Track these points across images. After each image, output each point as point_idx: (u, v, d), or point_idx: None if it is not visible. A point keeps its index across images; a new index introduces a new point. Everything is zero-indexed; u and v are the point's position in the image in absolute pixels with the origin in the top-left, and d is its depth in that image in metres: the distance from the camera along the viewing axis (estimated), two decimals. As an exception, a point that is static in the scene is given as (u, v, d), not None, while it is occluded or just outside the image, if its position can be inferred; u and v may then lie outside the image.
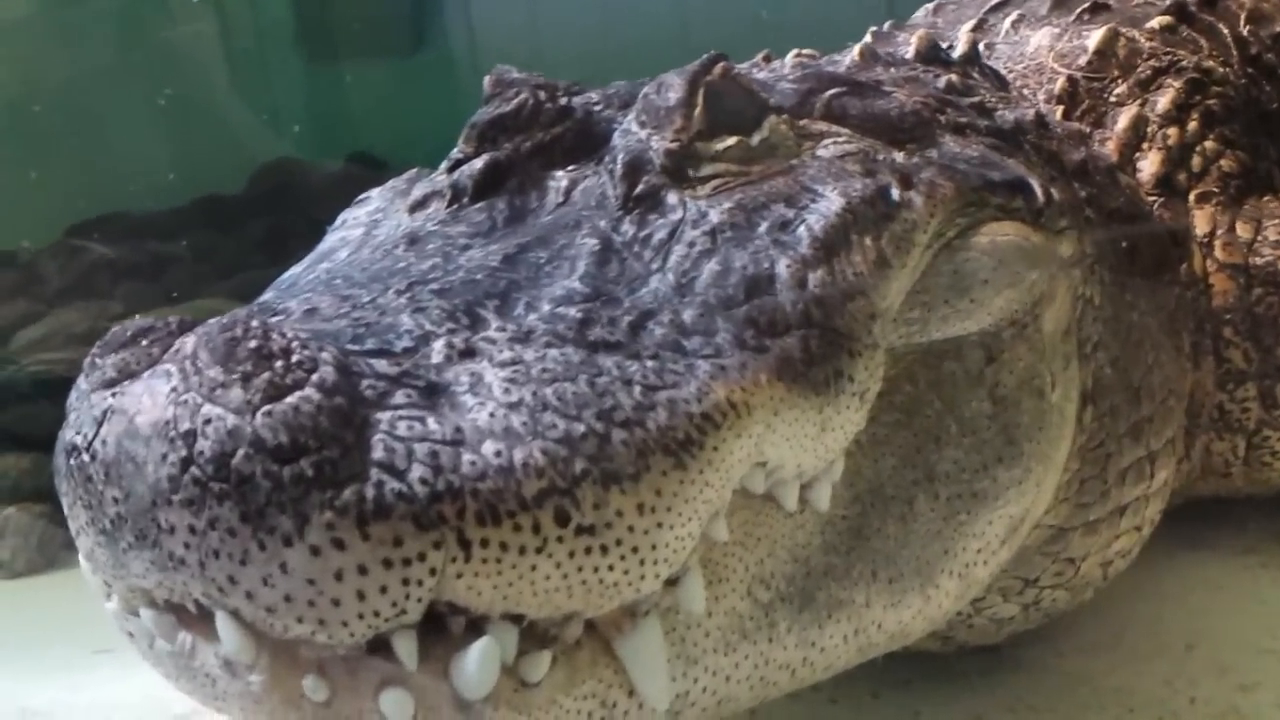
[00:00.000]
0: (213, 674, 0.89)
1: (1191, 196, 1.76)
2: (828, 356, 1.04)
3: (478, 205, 1.16)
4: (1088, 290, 1.43)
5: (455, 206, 1.18)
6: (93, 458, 0.83)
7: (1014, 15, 1.97)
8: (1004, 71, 1.82)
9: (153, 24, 4.62)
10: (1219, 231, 1.74)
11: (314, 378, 0.79)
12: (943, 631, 1.47)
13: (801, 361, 1.02)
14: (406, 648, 0.83)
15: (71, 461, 0.86)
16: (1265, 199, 1.79)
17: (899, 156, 1.27)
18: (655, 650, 0.93)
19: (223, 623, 0.83)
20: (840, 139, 1.27)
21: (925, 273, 1.20)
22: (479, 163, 1.19)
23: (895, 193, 1.19)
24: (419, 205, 1.20)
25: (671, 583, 0.94)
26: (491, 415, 0.84)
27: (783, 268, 1.07)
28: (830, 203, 1.14)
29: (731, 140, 1.20)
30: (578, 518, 0.84)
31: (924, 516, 1.18)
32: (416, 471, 0.79)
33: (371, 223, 1.21)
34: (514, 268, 1.04)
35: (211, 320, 0.84)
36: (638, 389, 0.90)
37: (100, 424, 0.83)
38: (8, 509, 2.58)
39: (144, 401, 0.81)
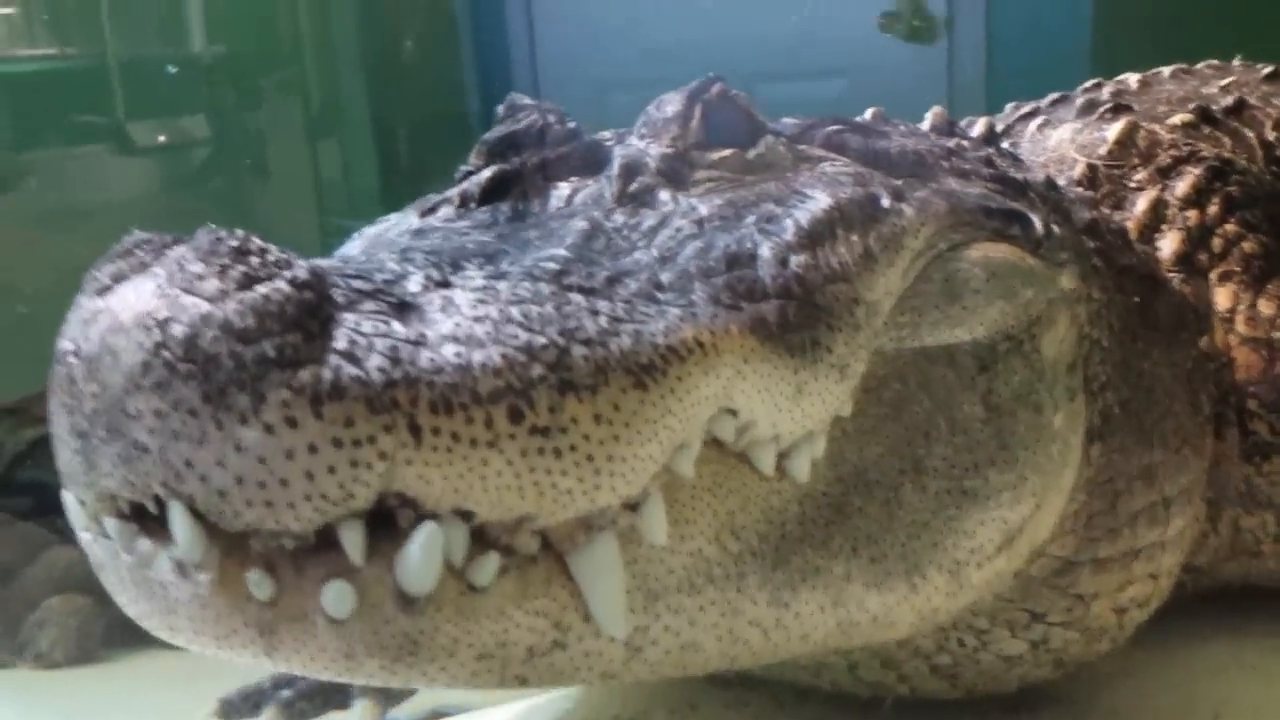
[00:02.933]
0: (165, 581, 0.92)
1: (1213, 275, 1.81)
2: (804, 325, 1.09)
3: (484, 208, 1.25)
4: (1095, 332, 1.48)
5: (462, 209, 1.27)
6: (77, 356, 0.88)
7: (1040, 120, 2.07)
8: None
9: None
10: (1241, 308, 1.78)
11: (287, 274, 0.85)
12: (947, 668, 1.48)
13: (777, 325, 1.07)
14: (352, 538, 0.85)
15: (58, 368, 0.90)
16: (1290, 281, 1.82)
17: (896, 181, 1.35)
18: (611, 570, 0.95)
19: (176, 516, 0.86)
20: (838, 163, 1.36)
21: (917, 279, 1.27)
22: (487, 173, 1.29)
23: (885, 201, 1.27)
24: (429, 210, 1.29)
25: (632, 508, 0.97)
26: (456, 325, 0.89)
27: (766, 249, 1.13)
28: (819, 201, 1.22)
29: (727, 151, 1.29)
30: (532, 418, 0.87)
31: (910, 505, 1.21)
32: (374, 361, 0.84)
33: (383, 229, 1.30)
34: (505, 242, 1.12)
35: (200, 229, 0.91)
36: (604, 318, 0.96)
37: (88, 325, 0.88)
38: (51, 599, 2.67)
39: (129, 298, 0.87)
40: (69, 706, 2.32)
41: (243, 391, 0.82)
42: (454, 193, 1.30)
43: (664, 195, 1.22)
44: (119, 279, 0.90)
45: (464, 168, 1.33)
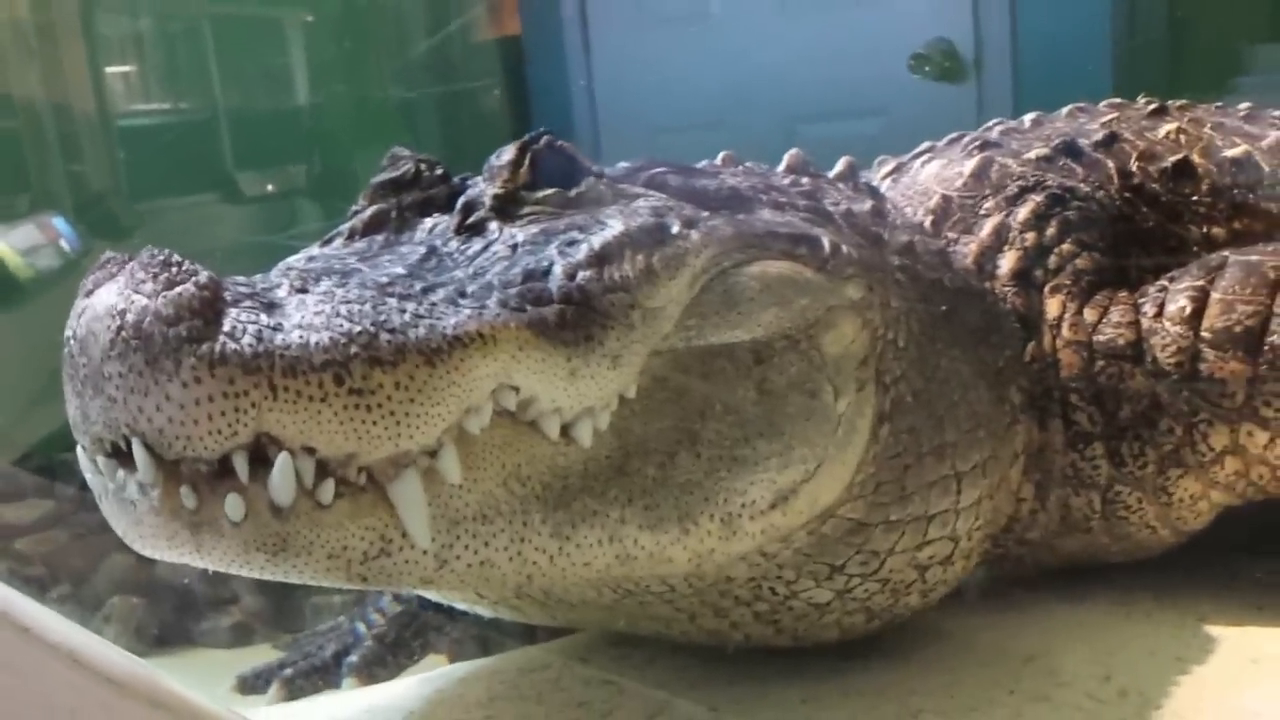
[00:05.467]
0: (133, 499, 1.28)
1: (1046, 289, 2.09)
2: (579, 324, 1.41)
3: (364, 239, 1.60)
4: (891, 334, 1.78)
5: (349, 240, 1.61)
6: (74, 339, 1.25)
7: (927, 157, 2.37)
8: (899, 197, 2.23)
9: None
10: (1067, 316, 2.06)
11: (194, 279, 1.21)
12: (768, 614, 1.77)
13: (554, 324, 1.39)
14: (240, 463, 1.21)
15: (64, 349, 1.27)
16: (1119, 292, 2.09)
17: (701, 213, 1.67)
18: (415, 496, 1.28)
19: (137, 449, 1.22)
20: (652, 198, 1.68)
21: (702, 290, 1.58)
22: (368, 211, 1.64)
23: (675, 228, 1.59)
24: (326, 242, 1.65)
25: (433, 455, 1.30)
26: (303, 317, 1.24)
27: (559, 266, 1.45)
28: (613, 229, 1.54)
29: (551, 190, 1.61)
30: (350, 382, 1.21)
31: (684, 468, 1.51)
32: (247, 339, 1.19)
33: (296, 256, 1.65)
34: (365, 263, 1.47)
35: (144, 250, 1.27)
36: (409, 315, 1.29)
37: (79, 317, 1.25)
38: (114, 598, 3.12)
39: (102, 296, 1.23)
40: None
41: (168, 359, 1.18)
42: (345, 227, 1.66)
43: (493, 226, 1.57)
44: (98, 284, 1.27)
45: (354, 207, 1.69)
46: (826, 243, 1.72)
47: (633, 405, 1.50)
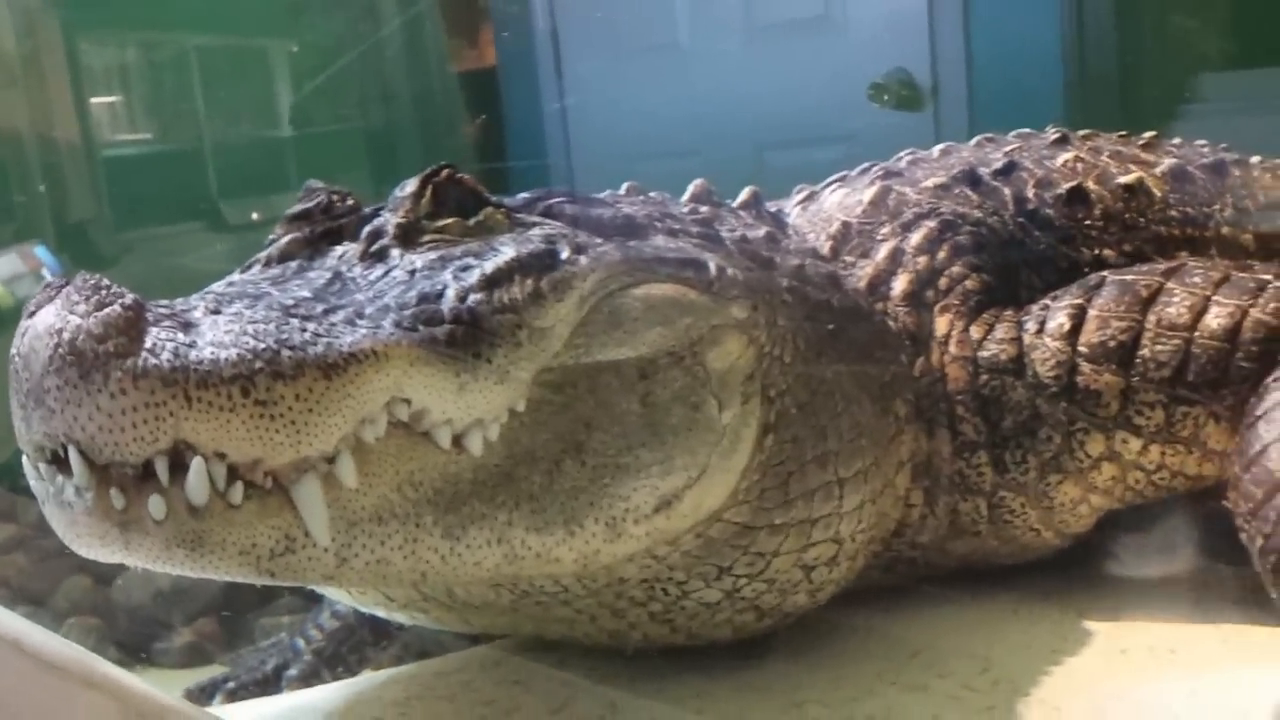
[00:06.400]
0: (70, 501, 1.39)
1: (936, 308, 2.23)
2: (468, 343, 1.53)
3: (279, 265, 1.73)
4: (776, 350, 1.91)
5: (266, 266, 1.74)
6: (19, 355, 1.37)
7: (835, 185, 2.52)
8: (805, 223, 2.37)
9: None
10: (954, 333, 2.20)
11: (120, 302, 1.34)
12: (662, 614, 1.89)
13: (444, 342, 1.52)
14: (161, 467, 1.33)
15: (10, 366, 1.39)
16: (1005, 311, 2.23)
17: (595, 240, 1.81)
18: (315, 498, 1.41)
19: (72, 455, 1.34)
20: (547, 226, 1.82)
21: (591, 310, 1.70)
22: (284, 239, 1.77)
23: (564, 254, 1.72)
24: (246, 268, 1.78)
25: (331, 461, 1.43)
26: (214, 335, 1.37)
27: (451, 290, 1.59)
28: (504, 255, 1.67)
29: (451, 220, 1.75)
30: (255, 394, 1.34)
31: (570, 475, 1.63)
32: (166, 355, 1.32)
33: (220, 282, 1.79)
34: (275, 287, 1.61)
35: (77, 274, 1.40)
36: (310, 334, 1.42)
37: (23, 336, 1.37)
38: (71, 619, 3.26)
39: (43, 317, 1.36)
40: None
41: (98, 373, 1.31)
42: (263, 255, 1.80)
43: (395, 253, 1.70)
44: (39, 306, 1.40)
45: (271, 236, 1.83)
46: (713, 266, 1.86)
47: (523, 418, 1.62)
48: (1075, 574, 2.27)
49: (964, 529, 2.20)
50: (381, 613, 1.97)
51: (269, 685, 2.70)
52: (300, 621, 2.95)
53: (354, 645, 2.72)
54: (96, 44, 7.52)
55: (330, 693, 2.12)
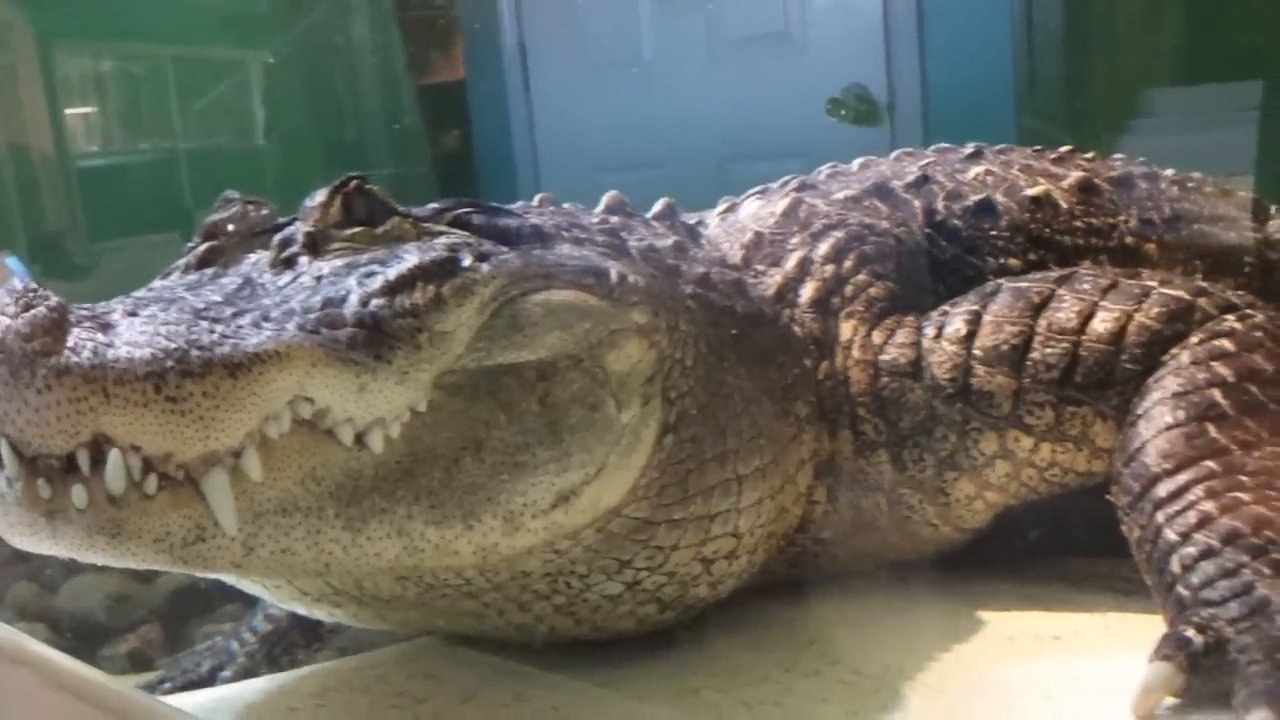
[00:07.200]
0: (3, 493, 1.47)
1: (841, 314, 2.33)
2: (369, 345, 1.61)
3: (197, 272, 1.82)
4: (678, 354, 2.01)
5: (185, 273, 1.84)
6: None
7: (753, 196, 2.62)
8: (722, 233, 2.47)
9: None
10: (857, 339, 2.31)
11: (46, 304, 1.41)
12: (566, 607, 1.97)
13: (346, 344, 1.59)
14: (82, 458, 1.41)
15: None
16: (907, 317, 2.34)
17: (500, 248, 1.90)
18: (223, 490, 1.49)
19: (4, 448, 1.43)
20: (454, 236, 1.90)
21: (492, 315, 1.78)
22: (201, 248, 1.87)
23: (466, 261, 1.81)
24: (166, 275, 1.88)
25: (238, 455, 1.51)
26: (130, 335, 1.45)
27: (354, 295, 1.66)
28: (407, 262, 1.75)
29: (358, 229, 1.85)
30: (166, 390, 1.42)
31: (469, 471, 1.71)
32: (85, 354, 1.40)
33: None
34: (190, 292, 1.70)
35: (13, 284, 1.48)
36: (218, 335, 1.51)
37: None
38: (17, 624, 3.33)
39: None
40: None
41: (26, 370, 1.39)
42: (181, 262, 1.90)
43: (304, 260, 1.80)
44: None
45: (188, 244, 1.92)
46: (614, 273, 1.95)
47: (425, 417, 1.70)
48: (971, 568, 2.37)
49: (866, 524, 2.30)
50: (301, 609, 2.05)
51: (203, 686, 2.78)
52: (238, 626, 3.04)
53: (286, 647, 2.81)
54: (70, 54, 7.59)
55: (252, 687, 2.20)
